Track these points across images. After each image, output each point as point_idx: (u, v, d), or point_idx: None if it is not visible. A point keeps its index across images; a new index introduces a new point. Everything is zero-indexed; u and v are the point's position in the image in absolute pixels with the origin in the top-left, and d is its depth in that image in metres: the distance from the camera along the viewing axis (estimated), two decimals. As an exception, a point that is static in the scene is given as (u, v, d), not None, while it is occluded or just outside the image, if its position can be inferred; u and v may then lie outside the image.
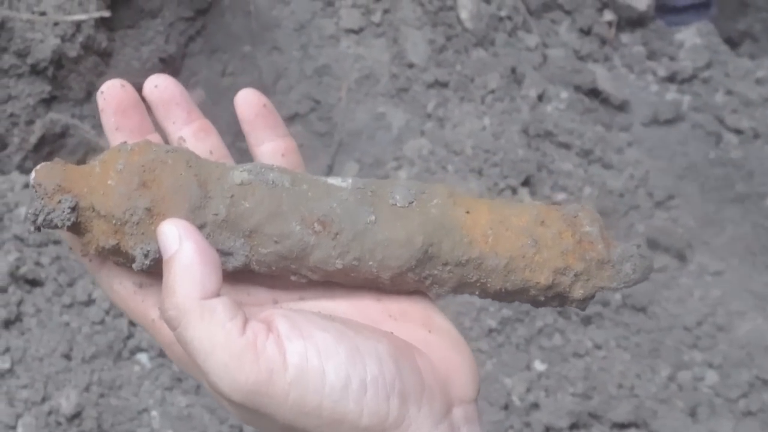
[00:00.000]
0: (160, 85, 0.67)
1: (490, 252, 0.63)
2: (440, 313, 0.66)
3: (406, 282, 0.63)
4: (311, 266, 0.62)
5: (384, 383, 0.57)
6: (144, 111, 0.66)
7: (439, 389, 0.60)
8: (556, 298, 0.65)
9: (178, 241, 0.57)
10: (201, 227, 0.60)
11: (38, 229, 0.60)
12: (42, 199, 0.59)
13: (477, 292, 0.65)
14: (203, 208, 0.60)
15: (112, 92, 0.65)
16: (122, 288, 0.63)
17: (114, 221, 0.60)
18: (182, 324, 0.56)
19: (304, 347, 0.56)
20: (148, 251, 0.60)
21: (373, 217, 0.62)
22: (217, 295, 0.57)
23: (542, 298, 0.65)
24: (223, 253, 0.61)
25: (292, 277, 0.63)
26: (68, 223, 0.60)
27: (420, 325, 0.64)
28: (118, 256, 0.61)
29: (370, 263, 0.62)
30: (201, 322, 0.55)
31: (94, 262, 0.64)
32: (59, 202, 0.59)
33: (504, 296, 0.65)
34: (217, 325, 0.55)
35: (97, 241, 0.61)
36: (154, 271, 0.62)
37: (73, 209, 0.60)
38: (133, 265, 0.61)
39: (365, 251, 0.62)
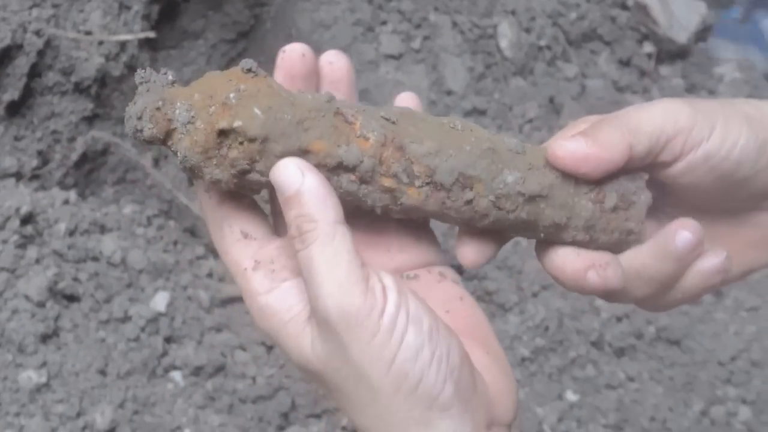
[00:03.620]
0: (334, 63, 0.70)
1: None
2: (496, 338, 0.71)
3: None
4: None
5: (447, 366, 0.62)
6: (312, 84, 0.70)
7: (484, 404, 0.65)
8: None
9: (302, 174, 0.61)
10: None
11: (142, 83, 0.63)
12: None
13: None
14: None
15: (291, 56, 0.69)
16: (230, 231, 0.67)
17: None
18: (315, 242, 0.61)
19: (399, 303, 0.61)
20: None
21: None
22: (345, 224, 0.63)
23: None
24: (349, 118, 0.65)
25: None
26: (172, 74, 0.63)
27: (480, 345, 0.68)
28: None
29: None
30: (332, 242, 0.61)
31: (213, 199, 0.67)
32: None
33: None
34: (344, 250, 0.61)
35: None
36: (254, 230, 0.67)
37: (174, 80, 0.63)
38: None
39: None
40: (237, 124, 0.61)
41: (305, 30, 2.36)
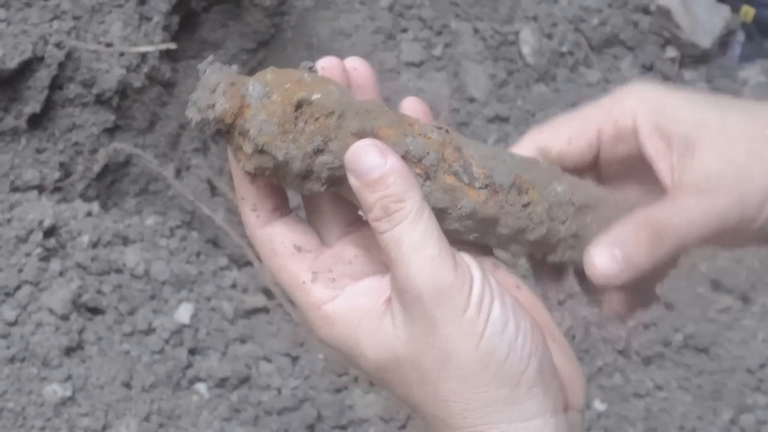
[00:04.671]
0: (358, 69, 0.70)
1: None
2: (558, 328, 0.71)
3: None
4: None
5: (531, 342, 0.63)
6: None
7: (560, 387, 0.66)
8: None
9: (384, 155, 0.61)
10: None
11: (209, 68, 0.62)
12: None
13: None
14: None
15: (331, 74, 0.67)
16: (282, 247, 0.66)
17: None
18: (405, 221, 0.61)
19: (483, 280, 0.62)
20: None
21: None
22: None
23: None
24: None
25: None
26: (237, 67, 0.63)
27: (546, 332, 0.68)
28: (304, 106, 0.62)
29: None
30: (421, 219, 0.61)
31: (261, 219, 0.66)
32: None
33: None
34: (433, 226, 0.62)
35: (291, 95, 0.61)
36: (306, 243, 0.66)
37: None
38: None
39: None
40: (315, 96, 0.61)
41: (325, 39, 2.35)
